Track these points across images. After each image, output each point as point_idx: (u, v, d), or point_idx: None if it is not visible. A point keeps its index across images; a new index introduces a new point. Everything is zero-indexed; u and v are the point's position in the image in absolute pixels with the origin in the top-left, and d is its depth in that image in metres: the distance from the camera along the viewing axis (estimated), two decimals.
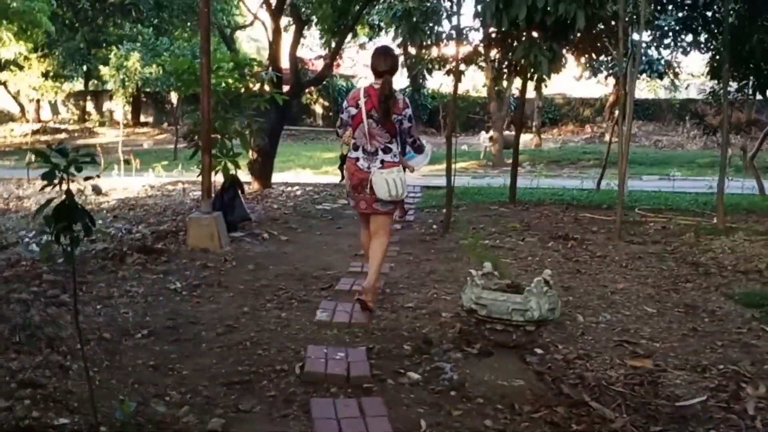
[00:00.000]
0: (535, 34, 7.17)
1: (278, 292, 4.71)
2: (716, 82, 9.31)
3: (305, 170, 15.69)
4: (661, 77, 16.42)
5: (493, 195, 10.06)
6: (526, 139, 24.88)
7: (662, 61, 16.60)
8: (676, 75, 16.62)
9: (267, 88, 7.88)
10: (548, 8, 6.37)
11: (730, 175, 10.84)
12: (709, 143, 21.84)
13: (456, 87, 7.49)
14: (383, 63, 4.18)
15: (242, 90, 7.55)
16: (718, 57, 8.67)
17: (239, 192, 6.93)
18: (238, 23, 23.72)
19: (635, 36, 9.66)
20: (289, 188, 10.93)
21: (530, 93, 28.50)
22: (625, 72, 6.71)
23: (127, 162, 12.32)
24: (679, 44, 10.26)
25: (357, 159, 4.23)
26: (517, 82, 17.70)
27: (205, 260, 5.66)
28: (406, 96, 4.35)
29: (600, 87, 29.72)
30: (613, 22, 7.88)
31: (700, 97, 24.95)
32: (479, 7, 7.30)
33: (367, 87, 4.23)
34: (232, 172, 6.97)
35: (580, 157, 19.33)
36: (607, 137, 25.18)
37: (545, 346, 3.59)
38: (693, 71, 20.11)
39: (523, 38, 6.97)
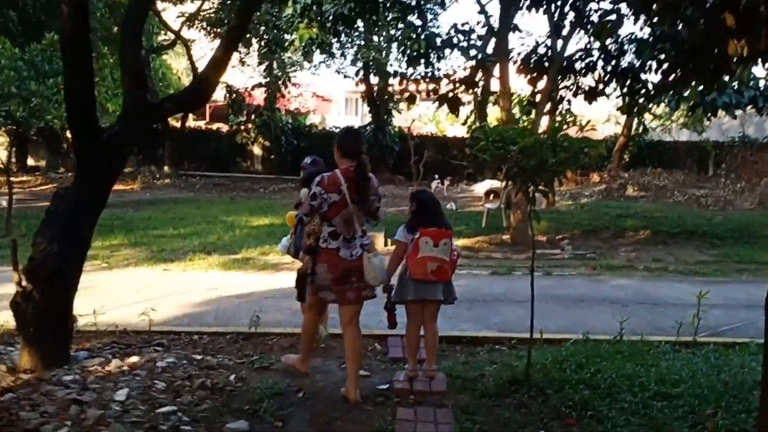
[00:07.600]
0: None
1: None
2: None
3: (211, 258, 9.27)
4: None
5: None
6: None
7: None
8: None
9: None
10: None
11: None
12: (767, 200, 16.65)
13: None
14: (359, 144, 4.05)
15: None
16: None
17: None
18: (160, 45, 18.47)
19: None
20: (126, 366, 4.53)
21: None
22: None
23: None
24: None
25: (337, 249, 3.91)
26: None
27: None
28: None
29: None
30: None
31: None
32: None
33: (343, 170, 3.93)
34: None
35: (619, 224, 13.62)
36: (630, 190, 19.77)
37: None
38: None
39: None
